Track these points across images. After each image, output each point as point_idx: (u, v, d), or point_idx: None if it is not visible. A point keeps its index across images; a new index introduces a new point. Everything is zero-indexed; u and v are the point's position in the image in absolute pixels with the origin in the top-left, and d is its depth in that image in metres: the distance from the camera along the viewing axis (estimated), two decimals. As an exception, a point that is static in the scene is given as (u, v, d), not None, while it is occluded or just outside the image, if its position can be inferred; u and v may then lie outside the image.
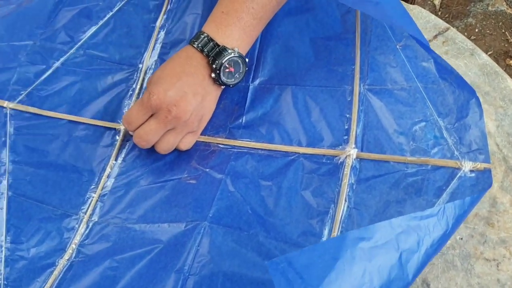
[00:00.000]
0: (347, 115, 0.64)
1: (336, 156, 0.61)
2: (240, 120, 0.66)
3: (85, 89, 0.66)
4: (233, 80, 0.53)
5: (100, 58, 0.71)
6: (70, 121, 0.65)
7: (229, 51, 0.50)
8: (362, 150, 0.61)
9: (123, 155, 0.65)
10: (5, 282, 0.52)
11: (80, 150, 0.64)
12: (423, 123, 0.60)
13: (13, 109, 0.66)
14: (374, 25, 0.69)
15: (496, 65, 0.66)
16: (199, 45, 0.51)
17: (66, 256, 0.55)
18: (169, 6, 0.74)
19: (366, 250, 0.40)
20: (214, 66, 0.50)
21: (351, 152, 0.60)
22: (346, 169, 0.60)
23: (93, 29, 0.73)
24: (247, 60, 0.53)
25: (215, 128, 0.66)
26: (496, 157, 0.60)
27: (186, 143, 0.54)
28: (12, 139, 0.63)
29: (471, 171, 0.55)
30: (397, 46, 0.67)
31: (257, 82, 0.69)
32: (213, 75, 0.51)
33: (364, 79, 0.66)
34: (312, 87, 0.67)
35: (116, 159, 0.64)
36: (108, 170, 0.63)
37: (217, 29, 0.52)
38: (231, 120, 0.66)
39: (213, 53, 0.50)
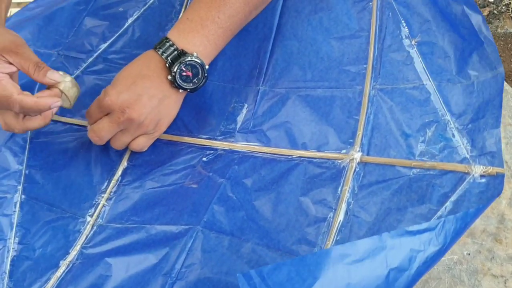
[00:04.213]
0: (356, 117, 0.61)
1: (340, 160, 0.58)
2: (248, 124, 0.65)
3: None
4: (190, 85, 0.52)
5: (120, 66, 0.72)
6: (86, 127, 0.66)
7: (187, 55, 0.50)
8: (368, 154, 0.58)
9: (133, 160, 0.66)
10: (8, 280, 0.55)
11: (93, 155, 0.66)
12: (433, 125, 0.56)
13: (35, 116, 0.69)
14: (390, 22, 0.65)
15: (506, 83, 0.61)
16: (160, 49, 0.51)
17: (69, 258, 0.57)
18: (185, 12, 0.74)
19: (350, 268, 0.36)
20: (170, 68, 0.50)
21: (355, 156, 0.57)
22: (348, 174, 0.56)
23: (112, 38, 0.75)
24: (207, 67, 0.52)
25: (223, 132, 0.66)
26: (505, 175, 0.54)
27: (139, 144, 0.55)
28: (31, 145, 0.67)
29: (482, 176, 0.50)
30: (413, 42, 0.62)
31: (267, 85, 0.68)
32: (169, 77, 0.50)
33: (376, 78, 0.62)
34: (323, 89, 0.65)
35: (126, 163, 0.65)
36: (118, 173, 0.64)
37: (179, 34, 0.52)
38: (240, 124, 0.66)
39: (172, 56, 0.50)
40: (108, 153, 0.66)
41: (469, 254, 0.50)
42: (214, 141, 0.64)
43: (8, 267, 0.56)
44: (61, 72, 0.53)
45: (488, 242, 0.50)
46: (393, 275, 0.37)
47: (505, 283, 0.47)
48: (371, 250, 0.37)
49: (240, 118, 0.65)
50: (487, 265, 0.49)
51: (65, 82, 0.52)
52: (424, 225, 0.39)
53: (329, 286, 0.35)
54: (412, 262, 0.38)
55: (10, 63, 0.49)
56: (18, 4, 1.21)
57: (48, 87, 0.52)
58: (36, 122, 0.52)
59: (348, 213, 0.53)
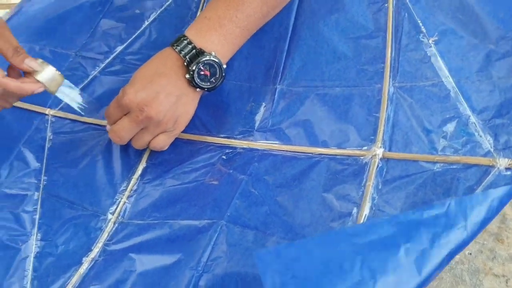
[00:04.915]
0: (376, 114, 0.61)
1: (362, 157, 0.58)
2: (267, 123, 0.66)
3: (120, 95, 0.68)
4: (208, 84, 0.53)
5: (137, 66, 0.73)
6: (105, 126, 0.67)
7: (206, 54, 0.51)
8: (390, 150, 0.58)
9: (153, 158, 0.66)
10: (32, 276, 0.55)
11: (113, 154, 0.66)
12: (455, 120, 0.57)
13: (54, 115, 0.69)
14: (406, 22, 0.66)
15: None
16: (178, 47, 0.51)
17: (92, 255, 0.57)
18: (202, 14, 0.75)
19: (360, 245, 0.37)
20: (189, 67, 0.50)
21: (377, 152, 0.58)
22: (371, 170, 0.57)
23: (129, 39, 0.75)
24: (224, 66, 0.53)
25: (242, 131, 0.66)
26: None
27: (159, 143, 0.56)
28: (50, 144, 0.67)
29: (507, 169, 0.50)
30: (430, 41, 0.63)
31: (284, 84, 0.68)
32: (187, 76, 0.51)
33: (395, 77, 0.63)
34: (341, 88, 0.66)
35: (146, 162, 0.65)
36: (138, 172, 0.65)
37: (197, 33, 0.52)
38: (258, 123, 0.66)
39: (190, 55, 0.51)
40: (127, 152, 0.66)
41: (470, 253, 0.50)
42: (232, 140, 0.65)
43: (31, 263, 0.56)
44: (39, 60, 0.51)
45: (490, 242, 0.50)
46: (410, 251, 0.37)
47: (506, 282, 0.47)
48: (381, 229, 0.37)
49: (258, 117, 0.66)
50: (489, 264, 0.49)
51: (43, 74, 0.50)
52: (434, 204, 0.40)
53: (340, 261, 0.35)
54: (428, 240, 0.38)
55: None
56: (8, 5, 1.21)
57: (25, 74, 0.50)
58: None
59: (373, 208, 0.54)
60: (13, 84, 0.48)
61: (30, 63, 0.49)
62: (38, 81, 0.50)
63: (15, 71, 0.52)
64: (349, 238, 0.37)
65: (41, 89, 0.51)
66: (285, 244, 0.36)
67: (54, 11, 0.78)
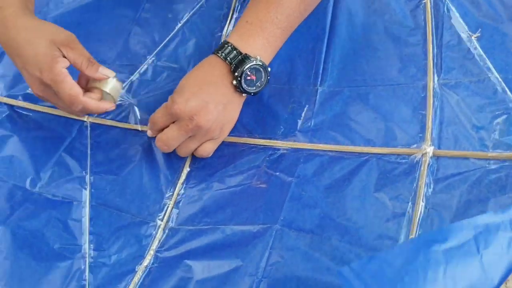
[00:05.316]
0: (422, 112, 0.61)
1: (412, 155, 0.58)
2: (309, 123, 0.65)
3: (159, 99, 0.67)
4: (254, 88, 0.54)
5: (172, 69, 0.73)
6: (144, 131, 0.66)
7: (252, 59, 0.51)
8: (439, 148, 0.58)
9: (196, 162, 0.66)
10: (89, 287, 0.54)
11: (156, 160, 0.66)
12: (504, 116, 0.57)
13: (92, 122, 0.69)
14: (446, 18, 0.66)
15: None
16: (223, 53, 0.52)
17: (145, 263, 0.57)
18: (235, 15, 0.75)
19: (441, 253, 0.36)
20: (236, 73, 0.50)
21: (428, 150, 0.58)
22: (422, 168, 0.57)
23: (164, 41, 0.75)
24: (269, 69, 0.54)
25: (283, 132, 0.66)
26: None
27: (205, 150, 0.56)
28: (92, 151, 0.66)
29: None
30: (472, 38, 0.63)
31: (325, 85, 0.68)
32: (234, 82, 0.51)
33: (438, 74, 0.63)
34: (384, 86, 0.65)
35: (189, 166, 0.65)
36: (182, 177, 0.64)
37: (240, 38, 0.53)
38: (300, 123, 0.66)
39: (236, 61, 0.51)
40: (169, 157, 0.65)
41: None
42: (275, 141, 0.65)
43: (87, 273, 0.56)
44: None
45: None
46: (487, 258, 0.37)
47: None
48: (459, 235, 0.37)
49: (300, 118, 0.66)
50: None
51: (111, 84, 0.56)
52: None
53: (423, 271, 0.35)
54: (505, 245, 0.38)
55: (64, 57, 0.50)
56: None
57: (90, 89, 0.55)
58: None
59: (427, 207, 0.54)
60: (93, 103, 0.53)
61: (104, 71, 0.54)
62: (107, 93, 0.56)
63: (82, 81, 0.55)
64: (430, 245, 0.36)
65: (113, 107, 0.58)
66: (367, 259, 0.36)
67: (81, 17, 0.77)
